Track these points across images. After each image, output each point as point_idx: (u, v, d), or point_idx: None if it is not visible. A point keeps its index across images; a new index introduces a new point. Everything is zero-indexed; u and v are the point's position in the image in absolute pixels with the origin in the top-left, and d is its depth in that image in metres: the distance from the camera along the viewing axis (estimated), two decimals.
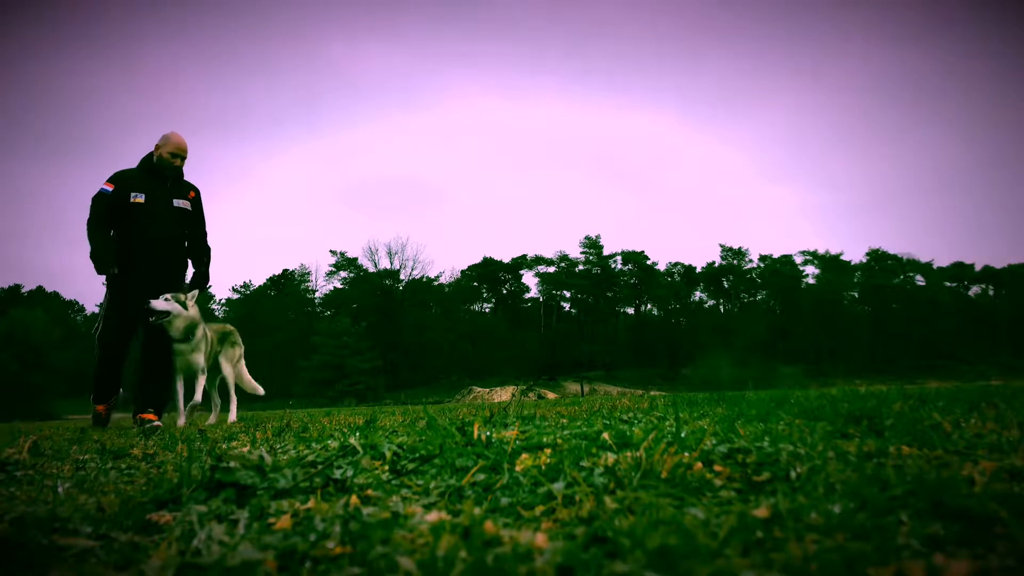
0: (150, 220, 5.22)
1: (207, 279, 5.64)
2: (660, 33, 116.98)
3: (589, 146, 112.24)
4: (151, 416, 5.03)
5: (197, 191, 5.55)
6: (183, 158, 5.39)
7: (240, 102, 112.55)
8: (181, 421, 5.29)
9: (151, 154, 5.40)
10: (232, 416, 5.72)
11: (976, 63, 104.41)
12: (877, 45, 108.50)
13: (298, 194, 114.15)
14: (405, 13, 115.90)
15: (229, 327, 6.04)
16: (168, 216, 5.33)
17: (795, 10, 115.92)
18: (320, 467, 1.22)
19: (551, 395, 33.39)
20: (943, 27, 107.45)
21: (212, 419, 5.72)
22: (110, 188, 5.16)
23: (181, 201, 5.40)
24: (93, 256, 5.07)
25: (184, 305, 5.27)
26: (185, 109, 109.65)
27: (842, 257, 75.90)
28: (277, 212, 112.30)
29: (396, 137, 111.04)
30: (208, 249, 5.65)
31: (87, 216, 5.15)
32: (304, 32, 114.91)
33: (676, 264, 77.84)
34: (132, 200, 5.17)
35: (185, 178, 5.53)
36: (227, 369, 5.76)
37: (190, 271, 5.61)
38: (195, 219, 5.52)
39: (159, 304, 5.14)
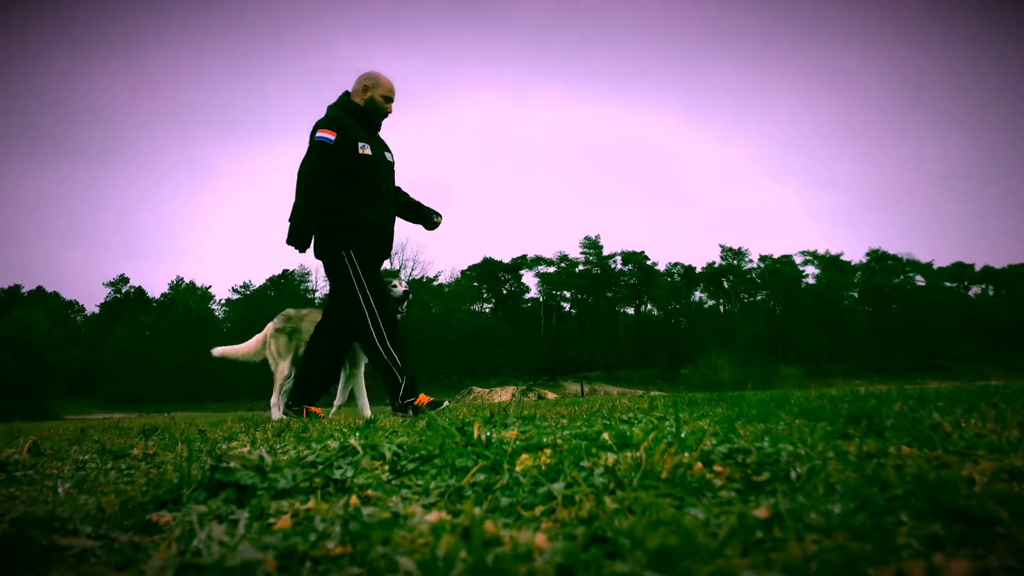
0: (378, 178, 4.31)
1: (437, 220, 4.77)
2: (662, 34, 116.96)
3: (590, 146, 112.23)
4: (429, 398, 4.36)
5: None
6: (393, 101, 4.48)
7: (240, 102, 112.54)
8: (333, 412, 4.88)
9: (346, 96, 4.44)
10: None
11: (976, 63, 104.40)
12: (877, 46, 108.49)
13: None
14: (407, 13, 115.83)
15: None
16: (388, 173, 4.43)
17: (796, 11, 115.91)
18: (320, 467, 1.22)
19: (551, 395, 33.35)
20: (943, 28, 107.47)
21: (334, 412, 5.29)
22: (332, 136, 4.15)
23: (389, 155, 4.50)
24: (299, 221, 4.14)
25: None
26: (183, 109, 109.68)
27: (842, 257, 75.92)
28: (277, 212, 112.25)
29: (396, 137, 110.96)
30: (418, 203, 4.75)
31: (302, 169, 4.16)
32: (307, 32, 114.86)
33: (676, 264, 77.93)
34: (361, 152, 4.23)
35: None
36: None
37: None
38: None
39: (402, 289, 4.54)
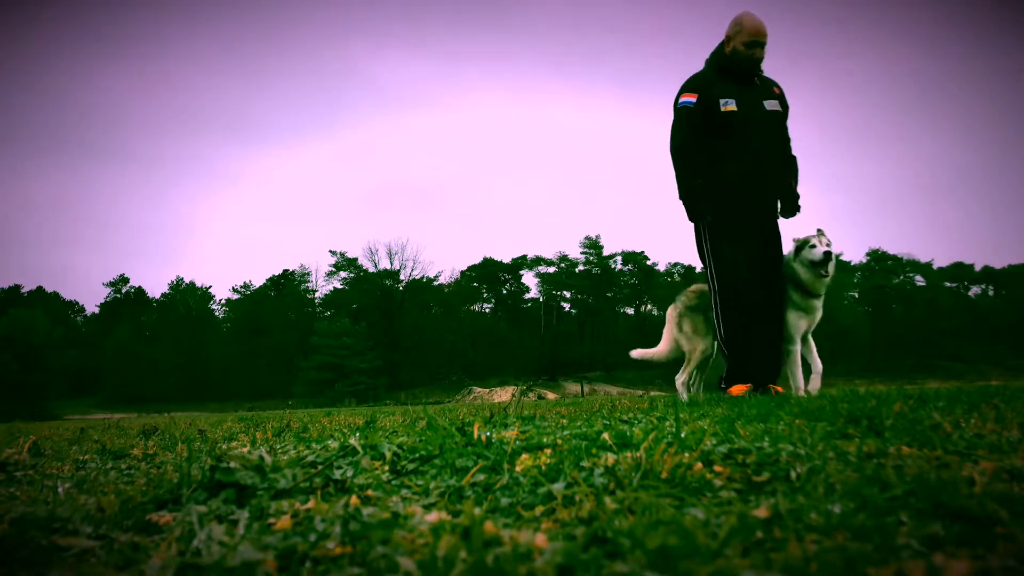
0: (749, 133, 4.13)
1: (799, 204, 4.40)
2: (663, 33, 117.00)
3: (590, 146, 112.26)
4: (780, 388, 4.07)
5: (780, 87, 4.35)
6: (762, 45, 4.17)
7: (242, 103, 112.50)
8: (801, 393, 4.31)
9: (720, 48, 4.28)
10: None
11: (976, 64, 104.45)
12: (878, 46, 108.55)
13: (298, 194, 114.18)
14: (410, 15, 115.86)
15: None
16: (765, 124, 4.21)
17: (795, 11, 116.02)
18: (320, 467, 1.22)
19: (551, 395, 33.36)
20: (944, 28, 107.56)
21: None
22: (693, 99, 4.09)
23: (771, 103, 4.24)
24: (685, 198, 4.12)
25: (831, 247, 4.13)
26: (185, 109, 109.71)
27: (842, 257, 75.85)
28: (277, 212, 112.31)
29: (396, 137, 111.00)
30: (795, 160, 4.44)
31: (671, 144, 4.10)
32: (310, 34, 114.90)
33: (676, 264, 77.78)
34: (723, 109, 4.09)
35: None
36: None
37: None
38: (785, 124, 4.34)
39: (821, 251, 4.03)
